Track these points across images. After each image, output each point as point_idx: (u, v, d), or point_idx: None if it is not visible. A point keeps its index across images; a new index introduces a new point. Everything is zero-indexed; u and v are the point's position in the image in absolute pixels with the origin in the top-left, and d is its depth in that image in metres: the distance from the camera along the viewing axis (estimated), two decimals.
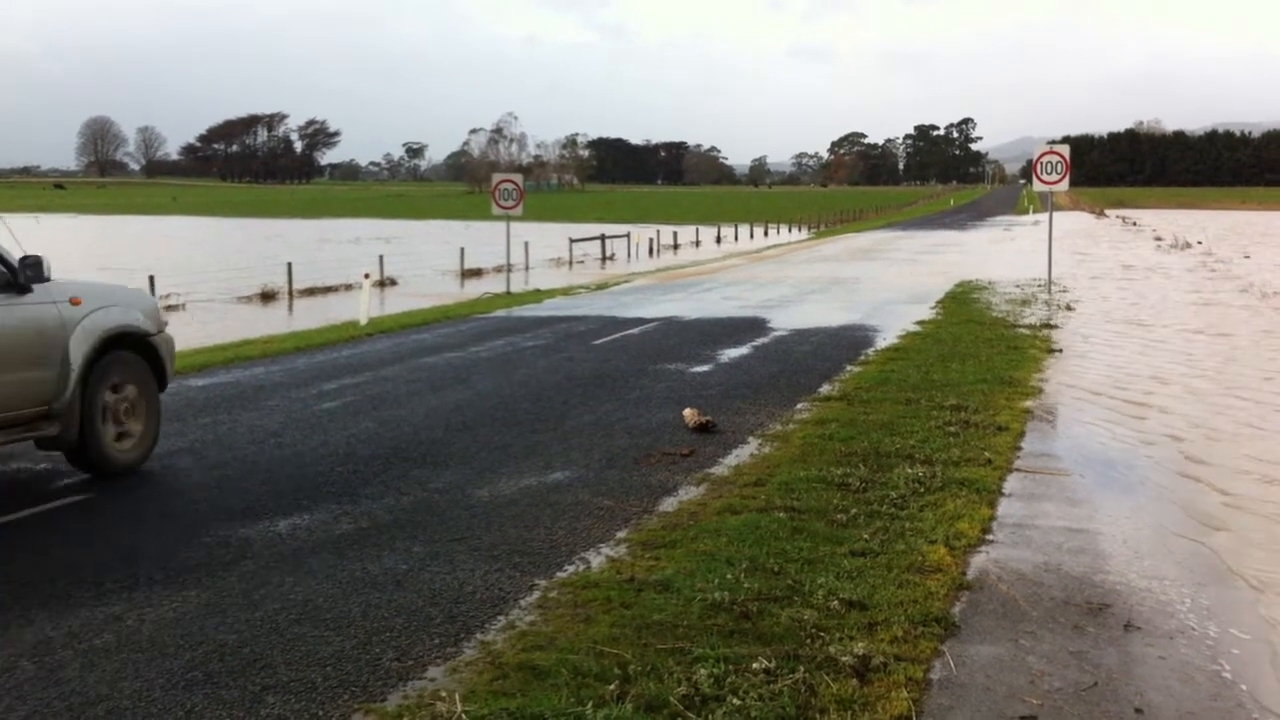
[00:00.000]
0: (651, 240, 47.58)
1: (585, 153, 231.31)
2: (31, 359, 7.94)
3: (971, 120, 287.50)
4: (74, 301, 8.39)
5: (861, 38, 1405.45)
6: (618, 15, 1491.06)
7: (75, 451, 8.36)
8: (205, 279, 30.74)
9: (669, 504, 7.70)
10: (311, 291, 28.44)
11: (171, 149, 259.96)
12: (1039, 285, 24.74)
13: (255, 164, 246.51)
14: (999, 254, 39.72)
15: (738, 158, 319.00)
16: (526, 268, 35.10)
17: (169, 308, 22.90)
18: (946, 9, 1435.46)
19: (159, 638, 5.33)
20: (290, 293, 27.76)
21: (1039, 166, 23.02)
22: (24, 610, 5.70)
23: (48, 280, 8.21)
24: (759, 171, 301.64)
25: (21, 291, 8.01)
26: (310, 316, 22.89)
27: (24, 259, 8.07)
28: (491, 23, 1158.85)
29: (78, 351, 8.22)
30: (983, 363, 13.77)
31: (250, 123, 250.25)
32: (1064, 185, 22.95)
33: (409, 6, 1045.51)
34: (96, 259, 40.57)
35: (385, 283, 29.87)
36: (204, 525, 7.17)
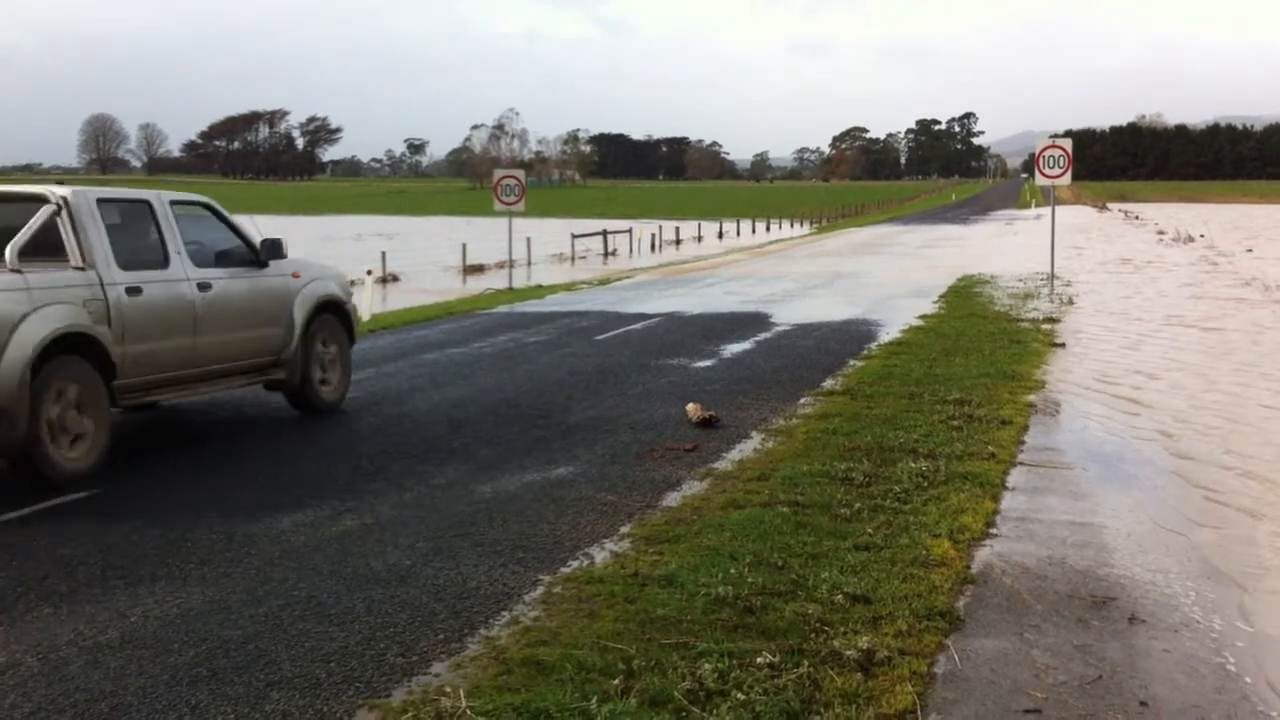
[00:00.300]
0: (654, 236, 47.55)
1: (587, 148, 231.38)
2: (269, 319, 10.03)
3: (973, 114, 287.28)
4: (295, 275, 10.42)
5: (860, 33, 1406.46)
6: (617, 11, 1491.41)
7: (296, 394, 10.41)
8: None
9: (672, 499, 7.70)
10: None
11: (173, 146, 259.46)
12: (1041, 279, 24.72)
13: (257, 160, 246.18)
14: (1001, 248, 39.73)
15: (739, 153, 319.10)
16: (529, 263, 35.07)
17: None
18: (945, 3, 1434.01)
19: (163, 634, 5.34)
20: None
21: (1041, 160, 22.99)
22: (28, 607, 5.71)
23: (284, 258, 10.22)
24: (761, 166, 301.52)
25: (261, 267, 10.00)
26: None
27: (264, 241, 10.10)
28: (491, 19, 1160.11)
29: (299, 314, 10.29)
30: (985, 357, 13.77)
31: (252, 119, 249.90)
32: (1066, 179, 22.92)
33: (409, 3, 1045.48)
34: None
35: (387, 279, 29.84)
36: (208, 522, 7.17)
